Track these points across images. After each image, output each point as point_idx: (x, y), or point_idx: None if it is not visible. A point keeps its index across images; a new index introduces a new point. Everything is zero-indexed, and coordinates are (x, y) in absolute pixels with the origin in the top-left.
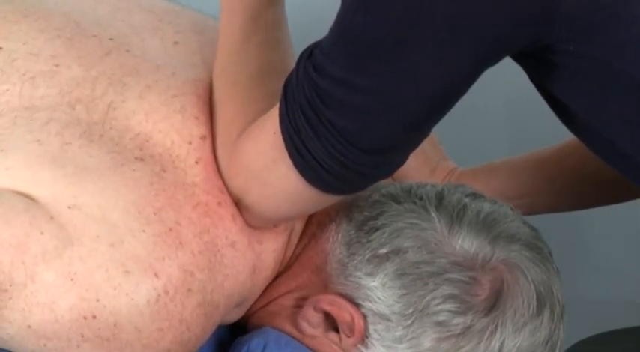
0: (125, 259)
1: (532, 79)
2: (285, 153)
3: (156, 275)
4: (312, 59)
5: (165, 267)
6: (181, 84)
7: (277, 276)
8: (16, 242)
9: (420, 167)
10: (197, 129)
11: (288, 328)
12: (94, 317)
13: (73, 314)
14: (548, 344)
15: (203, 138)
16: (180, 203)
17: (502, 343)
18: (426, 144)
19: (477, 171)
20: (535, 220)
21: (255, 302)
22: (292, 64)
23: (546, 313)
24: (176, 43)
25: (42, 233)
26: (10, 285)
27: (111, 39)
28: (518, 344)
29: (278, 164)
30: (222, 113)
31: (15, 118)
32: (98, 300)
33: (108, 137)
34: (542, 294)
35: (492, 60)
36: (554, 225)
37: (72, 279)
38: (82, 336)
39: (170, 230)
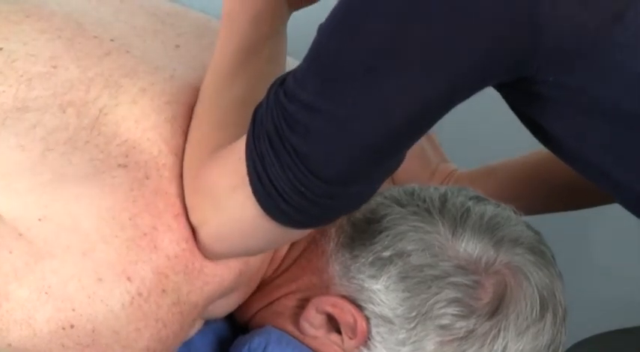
0: (97, 266)
1: (511, 106)
2: (247, 180)
3: (129, 279)
4: (284, 85)
5: (138, 271)
6: (177, 90)
7: (276, 278)
8: None
9: (419, 169)
10: (184, 142)
11: (290, 328)
12: (72, 326)
13: (51, 327)
14: (551, 347)
15: None
16: (159, 210)
17: (505, 347)
18: (426, 146)
19: (476, 173)
20: (534, 220)
21: (257, 301)
22: None
23: (549, 317)
24: (177, 46)
25: (10, 252)
26: None
27: (112, 40)
28: (520, 348)
29: (238, 191)
30: (197, 129)
31: (5, 120)
32: (74, 310)
33: (93, 144)
34: (545, 298)
35: (467, 93)
36: (553, 226)
37: (46, 293)
38: (63, 346)
39: (145, 234)
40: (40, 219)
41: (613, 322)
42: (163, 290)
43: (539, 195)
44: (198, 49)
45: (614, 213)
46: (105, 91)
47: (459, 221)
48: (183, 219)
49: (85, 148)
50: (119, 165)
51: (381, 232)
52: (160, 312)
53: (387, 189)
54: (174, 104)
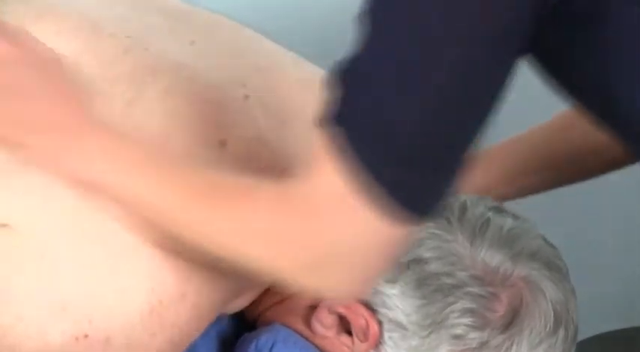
0: (120, 277)
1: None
2: (358, 196)
3: (152, 288)
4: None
5: (163, 278)
6: (204, 89)
7: None
8: None
9: None
10: None
11: (300, 326)
12: (86, 336)
13: (65, 338)
14: None
15: None
16: None
17: None
18: None
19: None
20: (532, 217)
21: (270, 297)
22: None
23: (561, 333)
24: (193, 42)
25: (22, 273)
26: None
27: (128, 36)
28: None
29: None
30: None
31: None
32: (91, 322)
33: None
34: (559, 314)
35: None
36: (553, 224)
37: (63, 309)
38: None
39: None
40: (61, 231)
41: (613, 322)
42: (183, 294)
43: (543, 170)
44: (213, 45)
45: (615, 213)
46: (132, 86)
47: (478, 231)
48: None
49: None
50: None
51: None
52: (178, 320)
53: None
54: (196, 104)
